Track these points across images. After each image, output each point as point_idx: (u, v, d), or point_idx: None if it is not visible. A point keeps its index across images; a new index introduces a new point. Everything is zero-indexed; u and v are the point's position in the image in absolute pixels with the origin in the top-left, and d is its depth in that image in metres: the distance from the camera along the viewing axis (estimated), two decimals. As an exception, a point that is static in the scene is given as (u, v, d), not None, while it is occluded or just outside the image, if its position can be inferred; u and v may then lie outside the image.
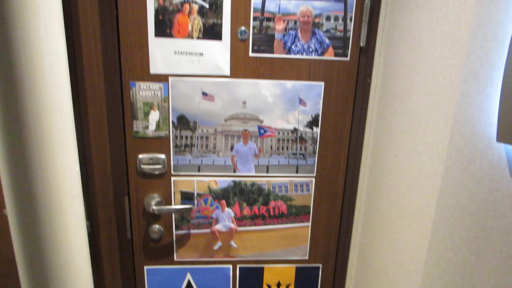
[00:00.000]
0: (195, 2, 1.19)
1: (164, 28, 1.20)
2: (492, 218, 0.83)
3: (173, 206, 1.36)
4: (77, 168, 1.08)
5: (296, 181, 1.39)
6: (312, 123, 1.33)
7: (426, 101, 0.98)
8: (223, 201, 1.39)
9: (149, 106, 1.27)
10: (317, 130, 1.34)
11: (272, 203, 1.40)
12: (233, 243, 1.44)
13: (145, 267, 1.44)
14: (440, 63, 0.91)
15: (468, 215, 0.88)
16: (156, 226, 1.39)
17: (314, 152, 1.36)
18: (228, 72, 1.25)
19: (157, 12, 1.19)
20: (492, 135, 0.81)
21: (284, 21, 1.22)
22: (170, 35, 1.21)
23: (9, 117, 0.92)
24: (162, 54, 1.22)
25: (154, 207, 1.31)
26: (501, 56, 0.77)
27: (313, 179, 1.39)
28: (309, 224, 1.44)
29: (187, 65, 1.24)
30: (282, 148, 1.35)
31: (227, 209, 1.40)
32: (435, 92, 0.94)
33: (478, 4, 0.79)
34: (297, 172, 1.38)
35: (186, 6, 1.19)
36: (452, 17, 0.87)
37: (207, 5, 1.19)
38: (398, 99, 1.14)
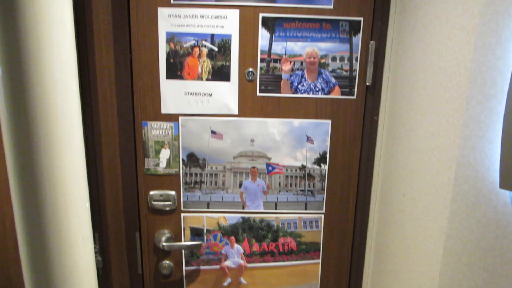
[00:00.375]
0: (205, 46, 1.24)
1: (175, 71, 1.25)
2: (500, 265, 0.81)
3: (183, 243, 1.37)
4: (87, 204, 1.11)
5: (305, 218, 1.39)
6: (320, 160, 1.34)
7: (430, 142, 0.98)
8: (232, 237, 1.39)
9: (160, 145, 1.31)
10: (325, 167, 1.34)
11: (281, 240, 1.40)
12: (242, 280, 1.43)
13: (155, 303, 1.44)
14: (443, 106, 0.92)
15: (476, 260, 0.86)
16: (167, 262, 1.40)
17: (323, 189, 1.36)
18: (236, 111, 1.29)
19: (168, 56, 1.24)
20: (496, 180, 0.80)
21: (290, 62, 1.26)
22: (180, 77, 1.26)
23: (21, 154, 0.97)
24: (173, 95, 1.27)
25: (164, 244, 1.33)
26: (501, 103, 0.78)
27: (322, 216, 1.39)
28: (319, 261, 1.43)
29: (196, 105, 1.28)
30: (291, 185, 1.36)
31: (236, 246, 1.40)
32: (438, 134, 0.94)
33: (476, 51, 0.80)
34: (305, 208, 1.38)
35: (196, 49, 1.24)
36: (452, 62, 0.89)
37: (216, 49, 1.24)
38: (405, 138, 1.15)
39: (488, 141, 0.80)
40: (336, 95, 1.29)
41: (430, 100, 0.99)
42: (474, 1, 0.80)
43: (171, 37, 1.23)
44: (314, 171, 1.35)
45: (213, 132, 1.31)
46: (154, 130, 1.30)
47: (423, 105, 1.03)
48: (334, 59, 1.26)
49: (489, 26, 0.78)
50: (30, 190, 0.98)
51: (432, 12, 1.00)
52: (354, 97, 1.29)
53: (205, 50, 1.24)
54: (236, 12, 1.22)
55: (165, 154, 1.32)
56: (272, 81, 1.27)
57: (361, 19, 1.24)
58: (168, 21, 1.22)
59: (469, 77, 0.82)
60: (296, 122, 1.30)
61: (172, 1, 1.22)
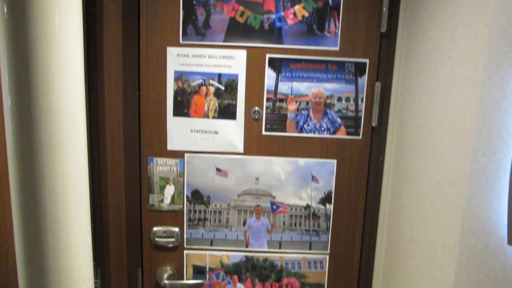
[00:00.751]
0: (212, 85, 1.26)
1: (182, 108, 1.27)
2: (510, 325, 0.78)
3: (185, 281, 1.35)
4: (89, 240, 1.10)
5: (309, 258, 1.36)
6: (325, 199, 1.32)
7: (437, 190, 0.97)
8: (235, 277, 1.37)
9: (165, 181, 1.31)
10: (330, 206, 1.33)
11: (285, 280, 1.37)
12: (244, 320, 1.40)
13: None
14: (449, 154, 0.91)
15: (485, 317, 0.83)
16: (168, 300, 1.38)
17: (328, 229, 1.34)
18: (241, 150, 1.29)
19: (176, 94, 1.26)
20: (504, 235, 0.78)
21: (296, 102, 1.27)
22: (187, 115, 1.27)
23: (25, 188, 0.97)
24: (179, 132, 1.28)
25: (166, 282, 1.31)
26: (507, 156, 0.76)
27: (327, 257, 1.36)
28: (324, 303, 1.39)
29: (202, 142, 1.28)
30: (295, 224, 1.34)
31: (239, 285, 1.37)
32: (445, 183, 0.92)
33: (481, 103, 0.80)
34: (310, 248, 1.35)
35: (203, 88, 1.26)
36: (458, 111, 0.88)
37: (223, 88, 1.26)
38: (411, 182, 1.13)
39: (496, 194, 0.79)
40: (341, 135, 1.29)
41: (436, 146, 0.98)
42: (479, 53, 0.80)
43: (179, 76, 1.26)
44: (319, 210, 1.33)
45: (218, 170, 1.31)
46: (160, 166, 1.30)
47: (429, 151, 1.02)
48: (339, 99, 1.27)
49: (494, 79, 0.78)
50: (32, 226, 0.98)
51: (436, 59, 1.00)
52: (360, 137, 1.29)
53: (212, 89, 1.26)
54: (243, 52, 1.24)
55: (169, 190, 1.32)
56: (278, 120, 1.28)
57: (367, 60, 1.25)
58: (177, 60, 1.25)
59: (474, 128, 0.81)
60: (301, 161, 1.30)
61: (181, 41, 1.24)
